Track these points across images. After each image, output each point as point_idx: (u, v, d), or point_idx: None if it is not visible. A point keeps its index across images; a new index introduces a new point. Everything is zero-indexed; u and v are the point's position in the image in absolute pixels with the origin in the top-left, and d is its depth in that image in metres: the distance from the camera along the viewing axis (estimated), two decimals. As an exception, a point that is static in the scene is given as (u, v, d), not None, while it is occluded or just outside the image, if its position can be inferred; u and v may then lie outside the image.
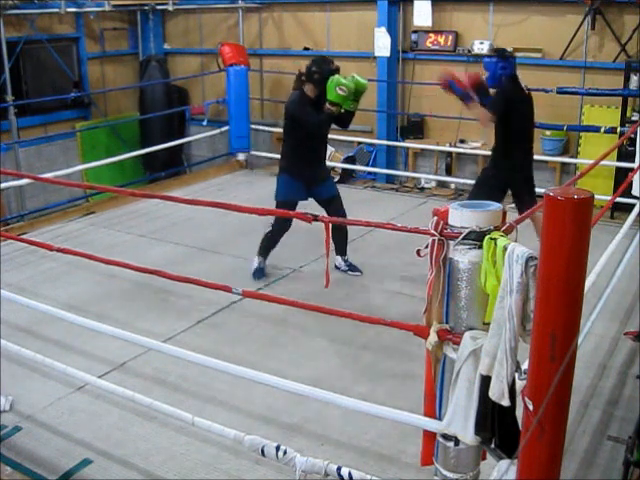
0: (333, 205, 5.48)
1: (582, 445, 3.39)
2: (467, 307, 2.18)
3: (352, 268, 5.67)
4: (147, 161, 9.59)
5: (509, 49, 5.26)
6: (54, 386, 3.92)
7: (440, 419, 2.35)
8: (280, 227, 5.47)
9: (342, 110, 5.21)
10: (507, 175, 5.23)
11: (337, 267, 5.65)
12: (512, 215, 2.33)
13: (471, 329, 2.18)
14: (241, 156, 9.10)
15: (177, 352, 3.26)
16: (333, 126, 5.45)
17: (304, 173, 5.36)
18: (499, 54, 5.18)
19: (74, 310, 4.23)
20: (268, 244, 5.57)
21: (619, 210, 6.66)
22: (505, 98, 5.06)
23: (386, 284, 5.41)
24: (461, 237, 2.12)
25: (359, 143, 9.04)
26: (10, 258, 5.80)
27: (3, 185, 6.31)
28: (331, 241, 5.63)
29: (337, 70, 5.23)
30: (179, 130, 10.06)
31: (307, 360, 4.28)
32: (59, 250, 3.51)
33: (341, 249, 5.66)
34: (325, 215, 4.87)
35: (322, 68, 5.19)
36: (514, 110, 5.05)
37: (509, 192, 5.34)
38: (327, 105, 5.14)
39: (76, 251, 3.59)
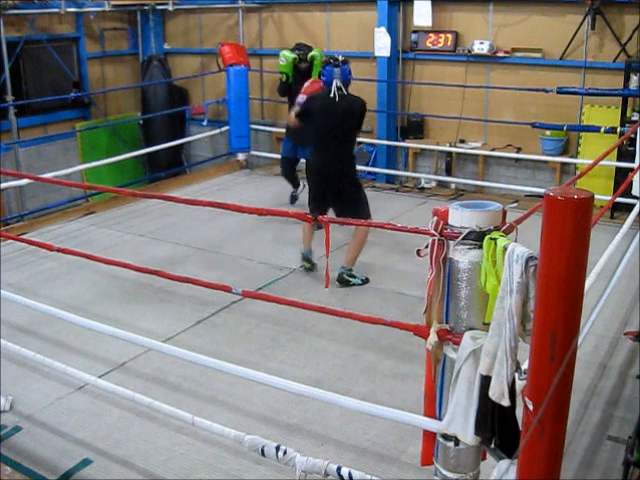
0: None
1: (582, 445, 3.39)
2: (467, 307, 2.18)
3: None
4: (147, 161, 9.58)
5: (341, 57, 5.26)
6: (54, 386, 3.92)
7: (440, 419, 2.35)
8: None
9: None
10: (314, 177, 5.49)
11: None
12: (512, 215, 2.33)
13: (471, 329, 2.18)
14: (241, 156, 9.10)
15: (177, 352, 3.26)
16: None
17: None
18: (325, 62, 5.26)
19: (74, 310, 4.22)
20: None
21: (619, 210, 6.66)
22: (304, 106, 5.41)
23: (386, 284, 5.41)
24: (461, 237, 2.13)
25: (359, 143, 9.01)
26: (10, 258, 5.80)
27: (3, 185, 6.31)
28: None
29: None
30: (179, 130, 10.05)
31: (307, 360, 4.28)
32: (59, 250, 3.52)
33: None
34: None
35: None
36: (312, 116, 5.32)
37: None
38: None
39: (76, 251, 3.59)
